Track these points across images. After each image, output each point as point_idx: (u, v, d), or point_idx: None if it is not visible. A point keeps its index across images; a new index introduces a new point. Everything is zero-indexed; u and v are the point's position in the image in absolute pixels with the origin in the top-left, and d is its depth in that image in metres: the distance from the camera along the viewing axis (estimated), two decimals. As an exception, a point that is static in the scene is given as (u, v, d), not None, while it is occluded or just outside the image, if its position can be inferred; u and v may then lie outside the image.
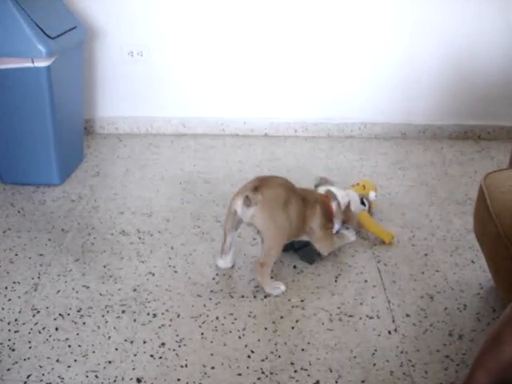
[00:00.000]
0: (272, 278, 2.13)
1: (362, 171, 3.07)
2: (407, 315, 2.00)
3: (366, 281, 2.18)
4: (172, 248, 2.37)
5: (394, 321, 1.97)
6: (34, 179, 2.85)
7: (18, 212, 2.64)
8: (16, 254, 2.33)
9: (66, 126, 2.87)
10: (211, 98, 3.49)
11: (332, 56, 3.37)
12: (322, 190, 2.33)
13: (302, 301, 2.06)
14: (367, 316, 1.99)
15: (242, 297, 2.07)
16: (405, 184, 2.94)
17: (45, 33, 2.57)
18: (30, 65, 2.55)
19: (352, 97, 3.47)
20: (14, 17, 2.49)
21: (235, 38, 3.33)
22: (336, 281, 2.17)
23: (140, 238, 2.44)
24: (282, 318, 1.97)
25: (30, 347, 1.84)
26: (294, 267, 2.25)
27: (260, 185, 2.05)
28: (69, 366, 1.77)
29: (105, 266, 2.25)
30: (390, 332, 1.92)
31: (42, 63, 2.55)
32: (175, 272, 2.22)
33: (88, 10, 3.24)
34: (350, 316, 1.99)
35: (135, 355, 1.81)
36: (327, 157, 3.22)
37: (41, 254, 2.33)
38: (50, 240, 2.42)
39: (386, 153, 3.32)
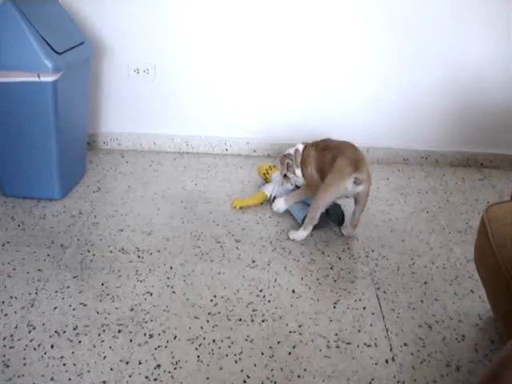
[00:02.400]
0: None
1: (364, 196, 3.07)
2: (405, 344, 1.99)
3: (364, 308, 2.17)
4: (171, 268, 2.36)
5: (391, 349, 1.96)
6: (36, 193, 2.85)
7: (18, 226, 2.63)
8: (14, 269, 2.32)
9: (70, 140, 2.87)
10: (215, 118, 3.49)
11: (334, 80, 3.38)
12: None
13: (300, 326, 2.05)
14: (365, 344, 1.98)
15: (240, 320, 2.06)
16: (406, 210, 2.94)
17: (52, 48, 2.57)
18: (35, 79, 2.55)
19: (354, 121, 3.48)
20: (21, 31, 2.50)
21: (240, 58, 3.34)
22: (335, 307, 2.16)
23: (139, 257, 2.43)
24: (279, 343, 1.96)
25: (24, 364, 1.83)
26: (293, 291, 2.24)
27: (358, 165, 2.47)
28: (63, 385, 1.76)
29: (103, 284, 2.24)
30: (387, 361, 1.91)
31: (47, 78, 2.55)
32: (173, 292, 2.21)
33: (96, 26, 3.25)
34: (348, 343, 1.98)
35: (130, 376, 1.80)
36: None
37: (39, 270, 2.32)
38: (48, 255, 2.42)
39: (388, 178, 3.32)
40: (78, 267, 2.34)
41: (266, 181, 3.08)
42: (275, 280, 2.31)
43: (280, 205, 2.79)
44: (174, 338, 1.97)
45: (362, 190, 2.52)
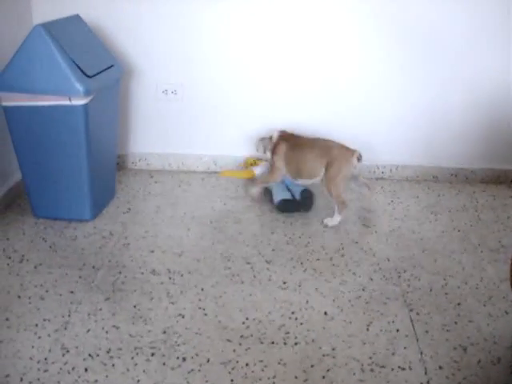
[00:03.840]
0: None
1: (394, 214, 3.05)
2: (440, 367, 1.96)
3: (398, 330, 2.15)
4: (202, 289, 2.36)
5: (426, 373, 1.94)
6: (67, 214, 2.88)
7: (50, 247, 2.66)
8: (47, 291, 2.34)
9: (100, 162, 2.90)
10: (242, 137, 3.50)
11: (364, 98, 3.37)
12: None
13: (333, 349, 2.03)
14: (399, 367, 1.96)
15: (272, 343, 2.05)
16: (437, 229, 2.91)
17: (83, 71, 2.60)
18: (67, 103, 2.59)
19: (383, 139, 3.47)
20: (52, 55, 2.54)
21: (266, 78, 3.36)
22: (368, 329, 2.14)
23: (170, 278, 2.43)
24: (312, 366, 1.95)
25: (59, 388, 1.84)
26: (325, 313, 2.22)
27: (349, 147, 2.93)
28: (98, 410, 1.76)
29: (135, 306, 2.24)
30: (422, 385, 1.89)
31: (79, 101, 2.58)
32: (205, 315, 2.20)
33: (124, 49, 3.29)
34: (382, 367, 1.96)
35: (164, 400, 1.80)
36: (357, 199, 3.21)
37: (71, 292, 2.33)
38: (80, 277, 2.43)
39: (418, 196, 3.30)
40: (110, 289, 2.35)
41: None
42: (307, 302, 2.29)
43: (252, 189, 3.16)
44: (207, 361, 1.96)
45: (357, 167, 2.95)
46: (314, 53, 3.29)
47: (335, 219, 2.91)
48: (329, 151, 2.90)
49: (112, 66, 2.91)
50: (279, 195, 3.06)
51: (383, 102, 3.39)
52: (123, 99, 3.38)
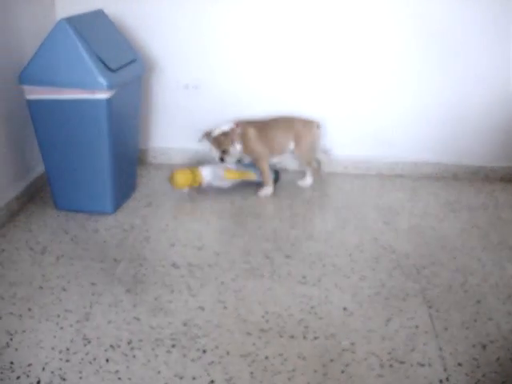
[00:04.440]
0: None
1: (413, 211, 3.05)
2: (459, 364, 1.96)
3: (417, 326, 2.15)
4: (222, 283, 2.38)
5: (445, 369, 1.94)
6: (88, 207, 2.91)
7: (71, 239, 2.69)
8: (68, 282, 2.37)
9: (122, 155, 2.93)
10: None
11: (385, 94, 3.37)
12: None
13: (353, 344, 2.04)
14: (418, 363, 1.96)
15: (292, 337, 2.06)
16: (456, 227, 2.91)
17: (106, 66, 2.63)
18: (91, 96, 2.61)
19: (403, 135, 3.46)
20: (76, 49, 2.57)
21: (288, 73, 3.37)
22: (387, 325, 2.15)
23: (190, 271, 2.45)
24: (332, 361, 1.96)
25: (80, 377, 1.87)
26: (344, 309, 2.23)
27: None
28: (119, 400, 1.78)
29: (156, 299, 2.26)
30: (441, 381, 1.88)
31: (102, 95, 2.61)
32: (225, 308, 2.22)
33: (146, 43, 3.31)
34: (401, 362, 1.96)
35: (184, 391, 1.82)
36: (377, 195, 3.21)
37: (93, 283, 2.36)
38: (102, 269, 2.46)
39: (438, 194, 3.29)
40: (131, 281, 2.38)
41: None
42: (326, 297, 2.30)
43: (267, 191, 3.23)
44: (227, 353, 1.98)
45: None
46: (336, 49, 3.29)
47: (308, 181, 3.33)
48: (293, 126, 3.24)
49: (135, 60, 2.93)
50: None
51: (403, 99, 3.38)
52: (145, 93, 3.40)
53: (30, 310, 2.20)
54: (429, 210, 3.07)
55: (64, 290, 2.32)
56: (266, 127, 3.23)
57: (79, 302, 2.24)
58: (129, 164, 3.08)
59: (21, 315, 2.17)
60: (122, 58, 2.83)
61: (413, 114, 3.41)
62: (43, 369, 1.90)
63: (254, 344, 2.03)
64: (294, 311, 2.21)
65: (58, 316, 2.16)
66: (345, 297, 2.31)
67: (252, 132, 3.18)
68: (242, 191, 3.23)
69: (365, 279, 2.43)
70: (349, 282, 2.41)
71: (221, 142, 3.14)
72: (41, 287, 2.34)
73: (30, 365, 1.92)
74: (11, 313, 2.18)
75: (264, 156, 3.22)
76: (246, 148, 3.19)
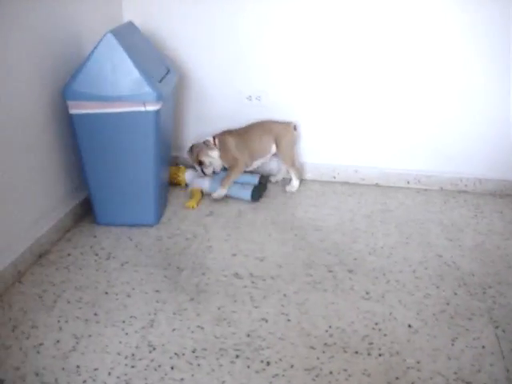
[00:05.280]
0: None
1: (477, 229, 2.99)
2: (528, 388, 1.92)
3: (483, 346, 2.10)
4: (284, 295, 2.38)
5: (514, 393, 1.90)
6: (131, 220, 2.92)
7: (136, 246, 2.72)
8: (133, 289, 2.40)
9: (163, 166, 2.97)
10: (323, 145, 3.51)
11: (447, 109, 3.32)
12: None
13: (418, 362, 2.01)
14: (486, 385, 1.92)
15: (356, 353, 2.05)
16: (523, 246, 2.85)
17: (153, 77, 2.66)
18: (141, 108, 2.61)
19: (467, 151, 3.40)
20: (125, 61, 2.55)
21: (350, 87, 3.35)
22: (453, 344, 2.11)
23: (253, 282, 2.46)
24: (397, 379, 1.93)
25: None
26: (409, 326, 2.20)
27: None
28: (185, 408, 1.80)
29: (219, 308, 2.28)
30: (510, 404, 1.85)
31: (152, 107, 2.61)
32: (288, 320, 2.22)
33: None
34: (468, 383, 1.93)
35: (249, 403, 1.82)
36: (440, 211, 3.16)
37: (157, 291, 2.39)
38: (165, 277, 2.48)
39: (502, 211, 3.22)
40: (194, 290, 2.40)
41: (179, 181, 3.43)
42: (390, 313, 2.28)
43: (220, 191, 3.23)
44: (291, 366, 1.97)
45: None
46: (397, 64, 3.26)
47: (295, 184, 3.41)
48: (272, 130, 3.33)
49: (169, 71, 2.96)
50: (244, 189, 3.26)
51: (465, 115, 3.32)
52: (203, 103, 3.45)
53: (95, 314, 2.23)
54: (494, 229, 3.01)
55: (128, 296, 2.35)
56: (245, 134, 3.32)
57: (144, 309, 2.27)
58: (165, 174, 3.11)
59: (87, 320, 2.21)
60: (161, 69, 2.86)
61: (474, 130, 3.33)
62: (109, 373, 1.93)
63: (317, 358, 2.02)
64: (357, 327, 2.19)
65: (123, 322, 2.19)
66: (409, 314, 2.28)
67: (230, 140, 3.28)
68: (302, 203, 3.23)
69: (429, 297, 2.40)
70: (413, 299, 2.37)
71: (195, 154, 3.29)
72: (106, 292, 2.37)
73: (96, 369, 1.96)
74: (77, 317, 2.22)
75: (240, 164, 3.27)
76: (225, 156, 3.28)
